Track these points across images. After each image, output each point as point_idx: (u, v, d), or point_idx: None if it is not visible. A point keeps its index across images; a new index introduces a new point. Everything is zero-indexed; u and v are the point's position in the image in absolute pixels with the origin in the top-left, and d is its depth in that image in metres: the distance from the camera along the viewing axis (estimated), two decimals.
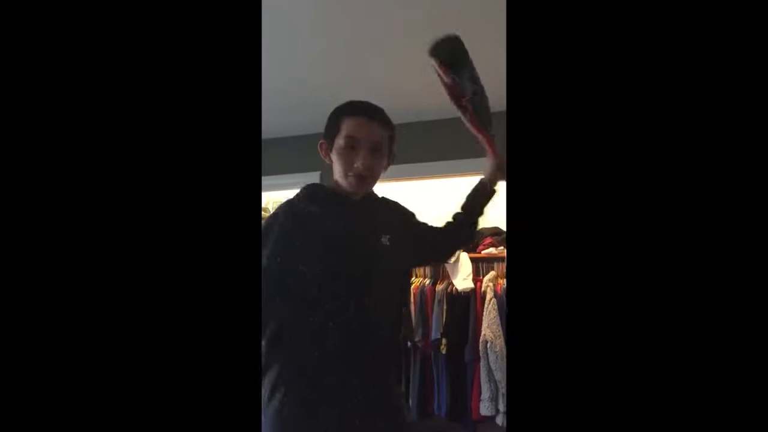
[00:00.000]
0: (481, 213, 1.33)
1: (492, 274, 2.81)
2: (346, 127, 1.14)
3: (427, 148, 2.96)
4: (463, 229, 1.34)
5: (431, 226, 1.36)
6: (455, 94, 1.12)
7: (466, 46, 1.10)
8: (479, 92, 1.12)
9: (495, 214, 1.75)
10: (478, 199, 1.32)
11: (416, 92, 2.48)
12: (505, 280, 2.78)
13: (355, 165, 1.13)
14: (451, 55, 1.06)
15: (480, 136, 1.21)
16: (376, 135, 1.14)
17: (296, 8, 1.82)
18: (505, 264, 2.85)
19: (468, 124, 1.20)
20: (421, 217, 1.39)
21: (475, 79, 1.11)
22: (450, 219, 1.35)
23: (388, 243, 1.17)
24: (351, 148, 1.14)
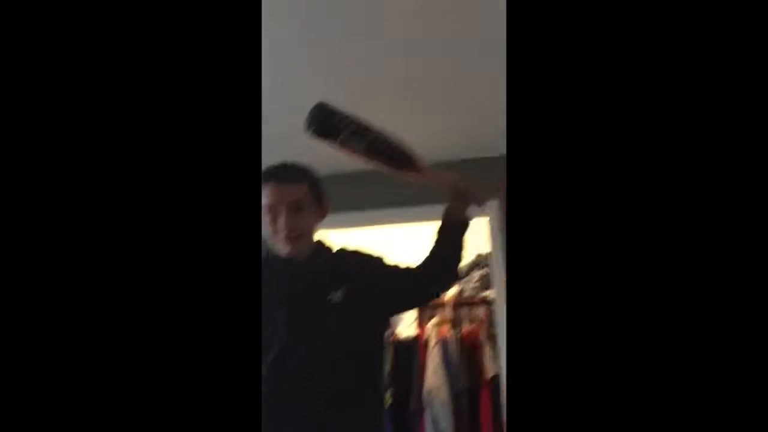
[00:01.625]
0: (457, 245, 1.24)
1: (436, 319, 2.80)
2: (264, 196, 1.15)
3: (395, 194, 2.92)
4: (441, 264, 1.24)
5: (406, 267, 1.26)
6: (354, 153, 1.08)
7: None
8: (373, 140, 1.08)
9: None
10: (447, 231, 1.24)
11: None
12: (448, 325, 2.78)
13: (279, 229, 1.13)
14: (321, 123, 1.04)
15: (412, 176, 1.16)
16: (290, 195, 1.13)
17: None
18: (447, 309, 2.86)
19: (393, 172, 1.16)
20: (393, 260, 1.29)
21: (359, 133, 1.07)
22: (425, 257, 1.25)
23: (338, 300, 1.13)
24: (273, 215, 1.14)
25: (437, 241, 1.24)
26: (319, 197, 1.20)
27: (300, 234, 1.14)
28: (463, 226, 1.24)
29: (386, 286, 1.21)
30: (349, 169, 2.76)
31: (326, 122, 1.04)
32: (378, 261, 1.26)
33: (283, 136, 1.95)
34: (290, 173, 1.16)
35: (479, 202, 1.23)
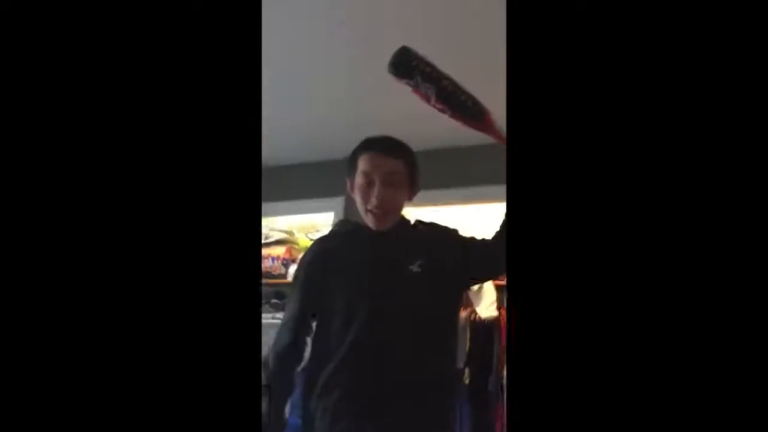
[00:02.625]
0: None
1: None
2: (361, 163, 1.20)
3: (446, 174, 2.93)
4: None
5: (480, 239, 1.27)
6: (425, 97, 1.12)
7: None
8: (446, 87, 1.12)
9: None
10: None
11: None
12: None
13: (372, 199, 1.16)
14: (400, 64, 1.10)
15: (477, 129, 1.17)
16: (390, 167, 1.18)
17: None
18: None
19: (460, 122, 1.16)
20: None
21: (433, 79, 1.10)
22: (499, 229, 1.24)
23: (419, 269, 1.16)
24: (367, 183, 1.18)
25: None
26: (412, 176, 1.24)
27: (388, 210, 1.20)
28: None
29: (462, 257, 1.24)
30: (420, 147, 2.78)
31: (404, 64, 1.10)
32: (454, 233, 1.29)
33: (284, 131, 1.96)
34: (390, 145, 1.21)
35: None
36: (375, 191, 1.16)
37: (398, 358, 1.13)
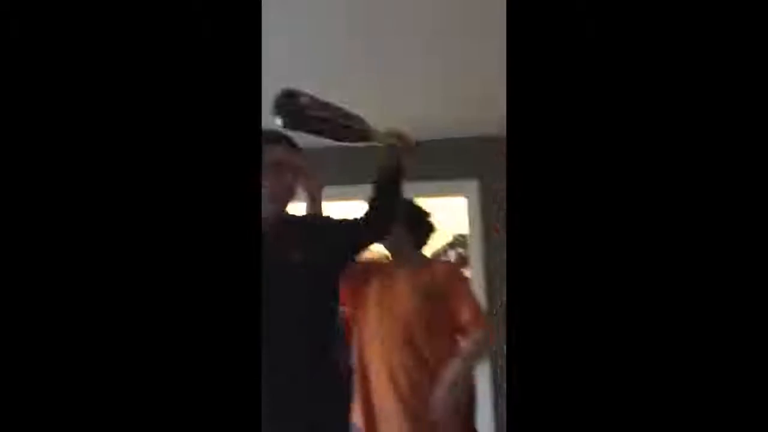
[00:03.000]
0: (389, 191, 1.26)
1: None
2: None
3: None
4: (376, 210, 1.26)
5: (353, 219, 1.29)
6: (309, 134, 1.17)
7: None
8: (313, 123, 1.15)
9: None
10: (382, 177, 1.27)
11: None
12: None
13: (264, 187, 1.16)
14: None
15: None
16: (269, 157, 1.17)
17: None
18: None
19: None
20: None
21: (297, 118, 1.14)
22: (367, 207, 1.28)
23: (301, 256, 1.18)
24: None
25: (374, 188, 1.26)
26: (298, 168, 1.24)
27: (278, 193, 1.19)
28: (396, 172, 1.26)
29: (332, 239, 1.26)
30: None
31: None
32: (326, 219, 1.33)
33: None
34: (272, 136, 1.20)
35: (410, 147, 1.26)
36: (264, 179, 1.13)
37: (287, 351, 1.13)
